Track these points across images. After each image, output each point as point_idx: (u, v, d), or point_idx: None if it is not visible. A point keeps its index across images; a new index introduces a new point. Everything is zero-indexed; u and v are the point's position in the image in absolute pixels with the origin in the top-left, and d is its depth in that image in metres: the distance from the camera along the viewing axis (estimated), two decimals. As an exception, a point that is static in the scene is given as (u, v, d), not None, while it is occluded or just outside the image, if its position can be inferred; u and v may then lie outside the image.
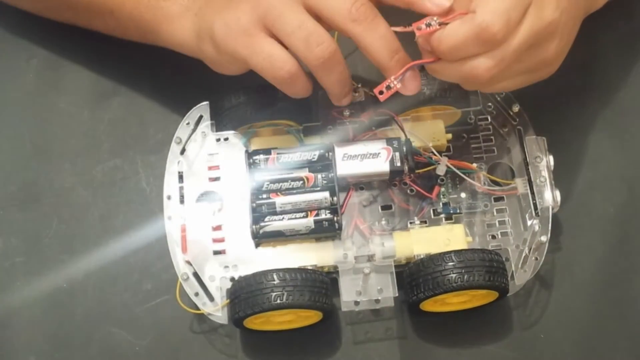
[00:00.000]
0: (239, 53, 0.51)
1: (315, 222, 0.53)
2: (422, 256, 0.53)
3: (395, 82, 0.50)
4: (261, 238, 0.54)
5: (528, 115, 0.58)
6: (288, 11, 0.49)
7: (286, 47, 0.50)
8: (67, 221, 0.59)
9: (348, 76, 0.52)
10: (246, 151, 0.55)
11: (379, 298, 0.53)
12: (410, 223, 0.56)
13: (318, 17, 0.50)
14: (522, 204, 0.56)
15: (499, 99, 0.58)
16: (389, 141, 0.55)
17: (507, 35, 0.47)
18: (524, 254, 0.54)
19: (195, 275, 0.53)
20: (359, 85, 0.58)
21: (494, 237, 0.56)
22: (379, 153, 0.54)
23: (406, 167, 0.54)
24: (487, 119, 0.59)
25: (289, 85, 0.51)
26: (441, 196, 0.56)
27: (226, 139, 0.57)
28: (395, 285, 0.53)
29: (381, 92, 0.50)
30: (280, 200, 0.53)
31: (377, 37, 0.49)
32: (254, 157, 0.55)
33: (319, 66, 0.50)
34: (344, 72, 0.51)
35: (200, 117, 0.57)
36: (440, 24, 0.48)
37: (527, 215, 0.55)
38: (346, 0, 0.49)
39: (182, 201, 0.55)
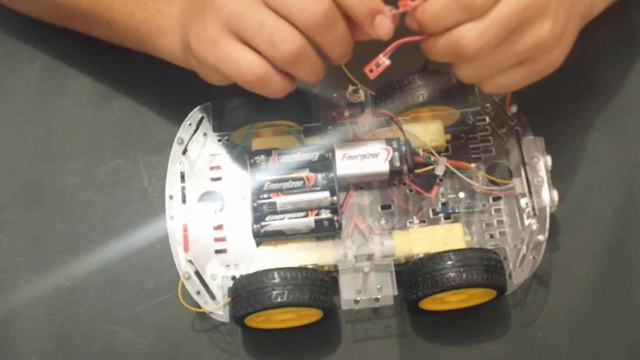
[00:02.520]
0: (209, 61, 0.50)
1: (316, 221, 0.53)
2: (421, 255, 0.54)
3: (384, 59, 0.49)
4: (262, 237, 0.54)
5: (526, 116, 0.58)
6: (249, 12, 0.48)
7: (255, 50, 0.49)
8: (70, 221, 0.60)
9: (321, 65, 0.50)
10: (247, 151, 0.56)
11: (379, 296, 0.53)
12: (410, 222, 0.56)
13: (282, 16, 0.49)
14: (520, 204, 0.56)
15: (497, 99, 0.58)
16: (389, 141, 0.55)
17: (487, 1, 0.46)
18: (521, 253, 0.54)
19: (197, 274, 0.54)
20: (359, 86, 0.58)
21: (492, 236, 0.56)
22: (378, 153, 0.55)
23: (405, 167, 0.55)
24: (486, 120, 0.59)
25: (261, 87, 0.50)
26: (440, 196, 0.57)
27: (227, 140, 0.58)
28: (394, 283, 0.54)
29: (371, 70, 0.50)
30: (281, 200, 0.54)
31: (335, 39, 0.49)
32: (255, 158, 0.55)
33: (288, 63, 0.49)
34: (316, 64, 0.50)
35: (202, 118, 0.58)
36: None
37: (524, 215, 0.56)
38: (306, 1, 0.47)
39: (184, 201, 0.56)
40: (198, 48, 0.51)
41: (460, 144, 0.58)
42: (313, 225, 0.53)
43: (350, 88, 0.58)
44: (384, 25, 0.48)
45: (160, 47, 0.57)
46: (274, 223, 0.53)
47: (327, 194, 0.54)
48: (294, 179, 0.54)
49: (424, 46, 0.50)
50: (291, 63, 0.49)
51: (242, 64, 0.49)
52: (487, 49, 0.48)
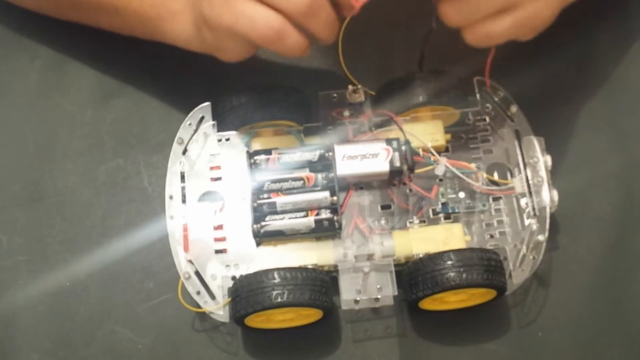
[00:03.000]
0: (224, 23, 0.50)
1: (316, 221, 0.53)
2: (421, 255, 0.54)
3: None
4: (262, 237, 0.54)
5: (526, 116, 0.58)
6: None
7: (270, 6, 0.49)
8: (70, 220, 0.60)
9: (335, 19, 0.51)
10: (247, 151, 0.56)
11: (379, 296, 0.53)
12: (410, 222, 0.56)
13: None
14: (520, 204, 0.56)
15: (497, 99, 0.58)
16: (389, 141, 0.55)
17: None
18: (521, 253, 0.54)
19: (197, 274, 0.54)
20: (359, 86, 0.58)
21: (492, 236, 0.56)
22: (378, 153, 0.55)
23: (405, 167, 0.55)
24: (486, 120, 0.59)
25: (278, 42, 0.50)
26: (440, 196, 0.57)
27: (227, 140, 0.58)
28: (394, 283, 0.54)
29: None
30: (281, 200, 0.54)
31: None
32: (255, 157, 0.55)
33: (304, 14, 0.49)
34: (330, 15, 0.50)
35: (202, 117, 0.57)
36: None
37: (524, 215, 0.56)
38: None
39: (184, 201, 0.56)
40: (212, 13, 0.51)
41: (460, 143, 0.58)
42: (313, 225, 0.53)
43: (350, 88, 0.58)
44: None
45: (170, 31, 0.57)
46: (274, 223, 0.53)
47: (327, 194, 0.54)
48: (294, 179, 0.54)
49: None
50: (306, 14, 0.49)
51: (258, 20, 0.49)
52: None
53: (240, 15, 0.50)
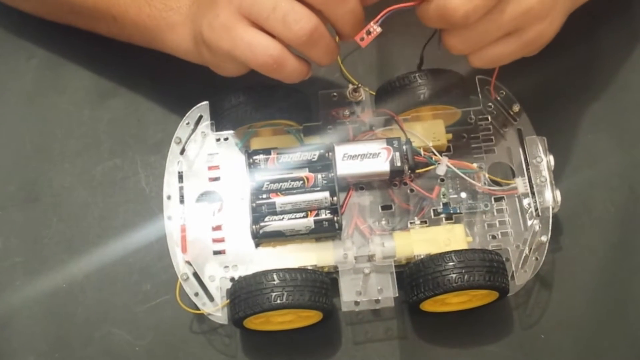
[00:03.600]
0: (223, 48, 0.51)
1: (315, 222, 0.53)
2: (422, 256, 0.53)
3: (375, 27, 0.49)
4: (261, 238, 0.54)
5: (528, 115, 0.58)
6: None
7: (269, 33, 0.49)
8: (67, 221, 0.59)
9: (335, 46, 0.51)
10: (246, 151, 0.55)
11: (379, 298, 0.53)
12: (411, 223, 0.56)
13: None
14: (523, 204, 0.56)
15: (499, 98, 0.58)
16: (389, 141, 0.55)
17: None
18: (524, 254, 0.54)
19: (195, 275, 0.54)
20: (359, 85, 0.58)
21: (494, 237, 0.56)
22: (379, 153, 0.54)
23: (406, 167, 0.54)
24: (488, 119, 0.59)
25: (277, 70, 0.50)
26: (441, 196, 0.56)
27: (226, 139, 0.57)
28: (395, 285, 0.53)
29: (362, 39, 0.49)
30: (280, 200, 0.53)
31: (347, 12, 0.49)
32: (254, 157, 0.55)
33: (303, 44, 0.49)
34: (330, 44, 0.50)
35: (200, 117, 0.57)
36: None
37: (527, 215, 0.55)
38: None
39: (182, 201, 0.55)
40: (211, 36, 0.51)
41: (461, 143, 0.58)
42: (313, 225, 0.53)
43: (350, 87, 0.58)
44: None
45: (169, 42, 0.57)
46: (273, 224, 0.53)
47: (327, 194, 0.54)
48: (294, 179, 0.54)
49: (417, 13, 0.49)
50: (306, 44, 0.49)
51: (257, 48, 0.49)
52: (475, 14, 0.47)
53: (239, 42, 0.50)
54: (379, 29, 0.49)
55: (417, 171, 0.55)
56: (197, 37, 0.53)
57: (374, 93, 0.58)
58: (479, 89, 0.58)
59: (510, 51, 0.51)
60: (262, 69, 0.50)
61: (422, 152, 0.56)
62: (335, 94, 0.59)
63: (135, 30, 0.58)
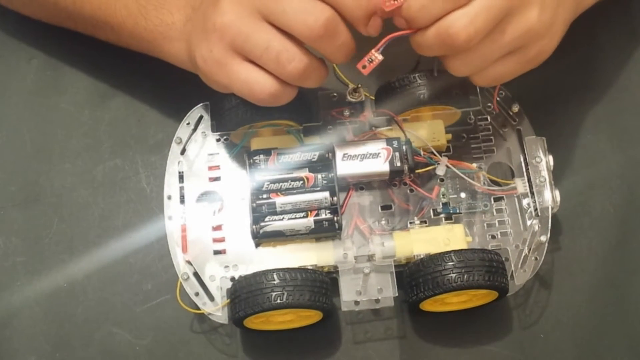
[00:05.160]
0: (220, 82, 0.51)
1: (316, 222, 0.53)
2: (422, 256, 0.53)
3: (376, 55, 0.49)
4: (261, 238, 0.54)
5: (528, 116, 0.58)
6: (253, 33, 0.49)
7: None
8: (68, 221, 0.59)
9: (326, 73, 0.51)
10: (246, 151, 0.55)
11: (379, 298, 0.53)
12: (410, 223, 0.56)
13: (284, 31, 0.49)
14: (522, 204, 0.56)
15: (498, 99, 0.58)
16: (389, 141, 0.55)
17: None
18: (523, 254, 0.54)
19: (196, 275, 0.54)
20: (359, 85, 0.58)
21: (493, 237, 0.56)
22: (378, 153, 0.54)
23: (406, 167, 0.54)
24: (487, 119, 0.59)
25: (274, 102, 0.51)
26: (441, 196, 0.56)
27: (226, 139, 0.57)
28: (395, 285, 0.53)
29: (364, 67, 0.49)
30: (280, 200, 0.54)
31: (339, 46, 0.49)
32: (254, 157, 0.55)
33: (297, 80, 0.50)
34: (322, 74, 0.51)
35: (201, 117, 0.57)
36: None
37: (526, 215, 0.55)
38: (306, 14, 0.47)
39: (182, 201, 0.55)
40: (206, 70, 0.51)
41: (461, 143, 0.58)
42: (313, 225, 0.53)
43: (350, 87, 0.58)
44: (376, 25, 0.49)
45: (166, 53, 0.57)
46: (273, 223, 0.53)
47: (327, 194, 0.54)
48: (294, 179, 0.54)
49: (413, 41, 0.49)
50: (299, 79, 0.50)
51: (254, 85, 0.50)
52: (477, 36, 0.47)
53: (235, 79, 0.50)
54: (380, 57, 0.49)
55: (417, 171, 0.55)
56: (191, 59, 0.53)
57: (372, 98, 0.58)
58: (478, 90, 0.58)
59: (513, 69, 0.51)
60: (260, 103, 0.51)
61: (422, 152, 0.56)
62: (335, 94, 0.59)
63: (133, 40, 0.59)
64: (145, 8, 0.56)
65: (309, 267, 0.53)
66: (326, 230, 0.53)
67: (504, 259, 0.53)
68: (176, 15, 0.56)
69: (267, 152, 0.55)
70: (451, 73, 0.51)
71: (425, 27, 0.48)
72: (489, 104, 0.58)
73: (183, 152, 0.57)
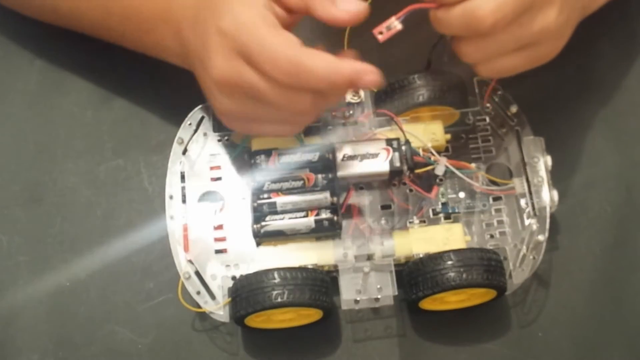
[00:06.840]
0: (234, 128, 0.55)
1: (316, 221, 0.53)
2: (421, 255, 0.54)
3: (395, 23, 0.48)
4: (262, 237, 0.54)
5: (526, 116, 0.58)
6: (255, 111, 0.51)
7: None
8: (70, 220, 0.60)
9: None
10: (247, 151, 0.56)
11: (379, 296, 0.53)
12: (410, 222, 0.56)
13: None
14: (520, 204, 0.56)
15: (496, 99, 0.58)
16: (389, 142, 0.55)
17: None
18: (521, 253, 0.54)
19: (197, 274, 0.54)
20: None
21: (492, 236, 0.56)
22: (378, 153, 0.55)
23: (405, 167, 0.55)
24: (486, 120, 0.59)
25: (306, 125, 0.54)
26: (440, 196, 0.57)
27: (227, 139, 0.58)
28: (394, 283, 0.54)
29: (381, 33, 0.48)
30: (281, 200, 0.54)
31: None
32: (255, 158, 0.55)
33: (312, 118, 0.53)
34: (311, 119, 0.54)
35: (202, 118, 0.58)
36: None
37: (525, 215, 0.56)
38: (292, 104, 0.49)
39: (184, 201, 0.56)
40: (217, 113, 0.54)
41: (460, 144, 0.58)
42: (313, 225, 0.53)
43: (351, 88, 0.58)
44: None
45: (163, 57, 0.58)
46: (274, 223, 0.53)
47: (327, 194, 0.54)
48: (294, 179, 0.54)
49: (434, 16, 0.48)
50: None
51: (269, 134, 0.53)
52: (502, 23, 0.47)
53: (248, 131, 0.54)
54: (399, 26, 0.48)
55: (416, 171, 0.56)
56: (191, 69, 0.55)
57: (373, 102, 0.59)
58: (477, 91, 0.58)
59: (519, 64, 0.51)
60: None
61: (421, 153, 0.56)
62: (335, 94, 0.59)
63: (138, 50, 0.59)
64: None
65: (310, 266, 0.53)
66: (326, 230, 0.54)
67: (502, 258, 0.54)
68: (170, 41, 0.56)
69: (267, 152, 0.55)
70: (459, 57, 0.50)
71: (451, 4, 0.47)
72: (488, 104, 0.59)
73: (185, 152, 0.57)
